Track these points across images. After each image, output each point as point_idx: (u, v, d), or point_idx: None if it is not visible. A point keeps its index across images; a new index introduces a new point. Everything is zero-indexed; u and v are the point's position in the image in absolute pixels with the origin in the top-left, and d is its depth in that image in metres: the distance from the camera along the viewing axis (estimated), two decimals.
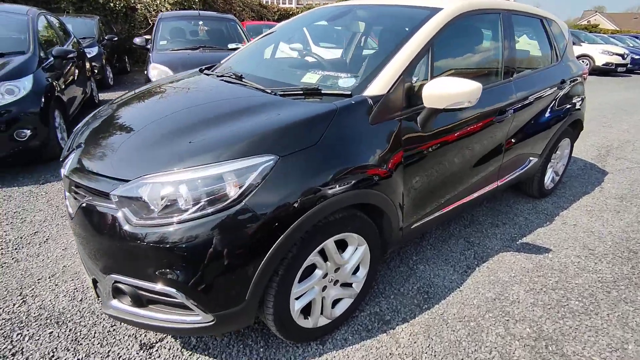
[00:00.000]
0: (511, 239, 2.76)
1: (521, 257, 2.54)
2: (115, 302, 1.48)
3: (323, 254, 1.64)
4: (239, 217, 1.32)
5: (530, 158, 2.89)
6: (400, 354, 1.76)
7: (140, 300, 1.43)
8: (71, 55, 4.34)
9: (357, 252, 1.78)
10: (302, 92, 1.75)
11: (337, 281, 1.77)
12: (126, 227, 1.32)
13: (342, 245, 1.73)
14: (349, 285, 1.86)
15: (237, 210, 1.32)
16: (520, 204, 3.30)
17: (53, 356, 1.66)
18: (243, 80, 1.99)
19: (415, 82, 1.84)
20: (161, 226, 1.30)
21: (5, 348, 1.70)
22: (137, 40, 5.20)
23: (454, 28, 2.04)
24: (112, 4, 10.92)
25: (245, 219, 1.32)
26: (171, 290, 1.34)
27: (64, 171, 1.63)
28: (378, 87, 1.70)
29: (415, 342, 1.83)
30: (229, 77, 2.08)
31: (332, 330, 1.85)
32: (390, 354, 1.76)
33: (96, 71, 7.14)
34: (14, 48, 3.77)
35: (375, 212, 1.79)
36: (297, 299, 1.62)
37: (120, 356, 1.67)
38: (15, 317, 1.86)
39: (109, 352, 1.69)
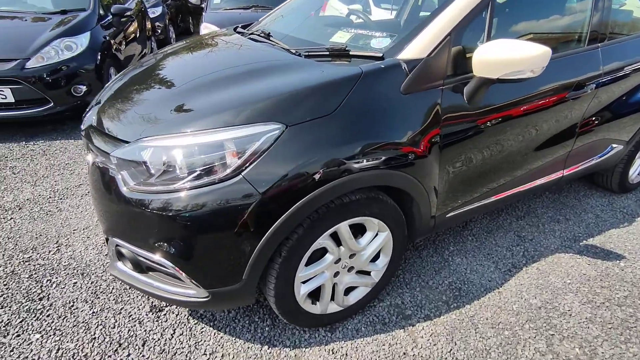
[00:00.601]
0: (574, 238, 2.36)
1: (583, 261, 2.16)
2: (120, 264, 1.47)
3: (336, 237, 1.47)
4: (235, 191, 1.19)
5: (613, 145, 2.39)
6: (415, 355, 1.58)
7: (140, 266, 1.39)
8: (129, 13, 4.43)
9: (377, 238, 1.59)
10: (327, 52, 1.53)
11: (352, 268, 1.61)
12: (123, 190, 1.26)
13: (362, 230, 1.55)
14: (367, 273, 1.69)
15: (234, 183, 1.19)
16: (592, 198, 2.81)
17: (72, 306, 1.74)
18: (271, 39, 1.81)
19: (467, 45, 1.52)
20: (156, 193, 1.22)
21: (34, 292, 1.80)
22: (193, 0, 5.16)
23: None
24: None
25: (243, 194, 1.19)
26: (164, 261, 1.28)
27: (82, 127, 1.61)
28: (416, 49, 1.42)
29: (435, 345, 1.63)
30: (257, 35, 1.90)
31: (344, 318, 1.71)
32: (404, 353, 1.59)
33: (159, 31, 7.36)
34: (76, 5, 3.92)
35: (403, 196, 1.57)
36: (304, 282, 1.50)
37: (131, 315, 1.70)
38: (49, 264, 1.98)
39: (121, 309, 1.72)
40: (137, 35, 5.15)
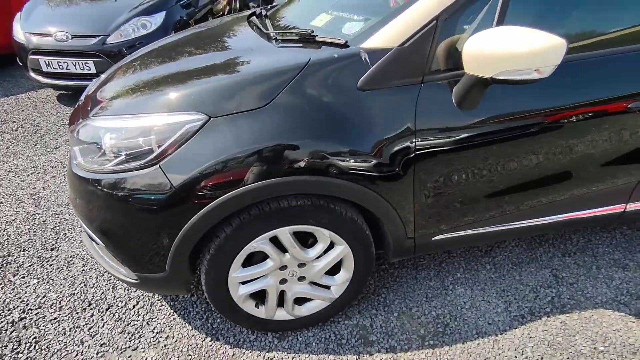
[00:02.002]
0: (637, 295, 1.79)
1: (636, 327, 1.64)
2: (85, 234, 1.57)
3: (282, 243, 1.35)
4: (151, 181, 1.15)
5: None
6: None
7: (92, 238, 1.47)
8: None
9: (332, 252, 1.41)
10: (297, 38, 1.36)
11: (303, 277, 1.47)
12: (72, 164, 1.33)
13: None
14: (326, 286, 1.53)
15: (151, 173, 1.15)
16: None
17: (71, 261, 1.95)
18: (265, 21, 1.69)
19: (465, 34, 1.20)
20: (90, 172, 1.25)
21: (51, 242, 2.07)
22: None
23: None
24: None
25: (158, 185, 1.15)
26: (95, 237, 1.32)
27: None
28: (386, 36, 1.17)
29: None
30: (256, 18, 1.80)
31: (297, 328, 1.59)
32: None
33: (253, 7, 7.71)
34: None
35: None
36: (243, 283, 1.41)
37: (110, 279, 1.83)
38: (71, 220, 2.25)
39: (105, 271, 1.87)
40: (225, 12, 5.49)
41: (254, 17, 1.81)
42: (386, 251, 1.53)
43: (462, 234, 1.52)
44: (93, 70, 3.63)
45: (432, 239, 1.49)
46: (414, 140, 1.22)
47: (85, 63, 3.59)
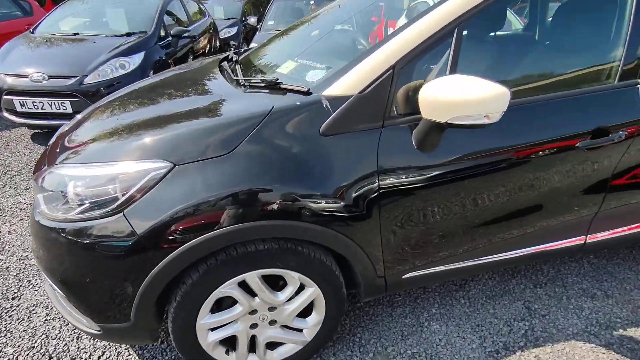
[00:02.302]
0: (607, 324, 1.83)
1: (607, 357, 1.65)
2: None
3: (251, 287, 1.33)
4: (115, 230, 1.14)
5: None
6: None
7: (54, 288, 1.42)
8: (187, 34, 4.82)
9: (303, 294, 1.40)
10: (264, 85, 1.41)
11: (274, 321, 1.44)
12: (36, 212, 1.30)
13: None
14: (298, 329, 1.51)
15: (114, 221, 1.14)
16: None
17: (33, 310, 1.86)
18: (235, 66, 1.76)
19: (419, 80, 1.28)
20: (54, 220, 1.23)
21: (12, 289, 1.98)
22: (251, 20, 5.44)
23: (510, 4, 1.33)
24: None
25: (122, 233, 1.14)
26: (55, 287, 1.28)
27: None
28: (346, 84, 1.23)
29: None
30: (227, 63, 1.86)
31: None
32: None
33: (232, 48, 7.95)
34: (141, 28, 4.39)
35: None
36: (212, 329, 1.38)
37: (75, 329, 1.75)
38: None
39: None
40: (200, 53, 5.63)
41: (226, 62, 1.88)
42: (358, 291, 1.53)
43: (432, 270, 1.54)
44: (69, 110, 3.63)
45: (403, 276, 1.51)
46: (378, 181, 1.26)
47: (61, 103, 3.58)
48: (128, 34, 4.25)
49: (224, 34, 7.97)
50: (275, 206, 1.18)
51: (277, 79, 1.35)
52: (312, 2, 5.31)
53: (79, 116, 1.78)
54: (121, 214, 1.14)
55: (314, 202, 1.21)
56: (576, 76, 1.55)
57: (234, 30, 8.12)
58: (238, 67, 1.72)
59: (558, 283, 2.08)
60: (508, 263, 1.68)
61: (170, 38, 4.62)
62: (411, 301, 1.95)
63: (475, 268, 1.61)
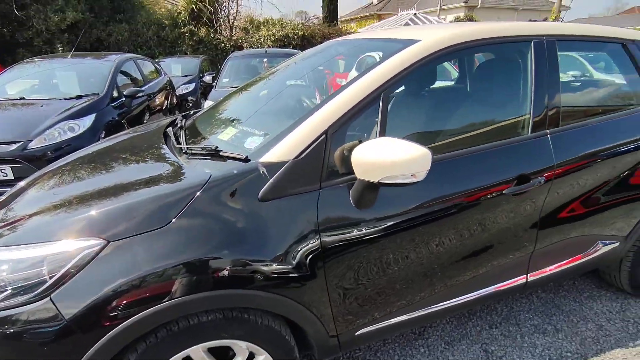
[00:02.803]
0: (558, 359, 1.88)
1: None
2: None
3: None
4: (43, 314, 1.07)
5: (601, 241, 1.97)
6: None
7: None
8: (141, 94, 4.86)
9: None
10: (204, 152, 1.44)
11: None
12: None
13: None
14: None
15: (41, 306, 1.07)
16: (598, 301, 2.29)
17: None
18: (179, 132, 1.79)
19: (352, 142, 1.36)
20: None
21: None
22: (206, 78, 5.60)
23: (434, 67, 1.49)
24: (222, 45, 12.39)
25: (49, 318, 1.07)
26: None
27: None
28: (282, 151, 1.29)
29: None
30: (172, 128, 1.89)
31: None
32: None
33: (191, 104, 8.05)
34: (93, 90, 4.38)
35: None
36: None
37: None
38: None
39: None
40: (156, 111, 5.68)
41: (171, 127, 1.91)
42: (312, 352, 1.49)
43: (386, 323, 1.54)
44: (10, 177, 3.45)
45: (357, 333, 1.49)
46: (320, 241, 1.29)
47: (1, 170, 3.41)
48: (79, 97, 4.21)
49: (181, 90, 8.10)
50: (216, 276, 1.16)
51: (217, 147, 1.39)
52: (265, 60, 5.58)
53: (22, 183, 1.71)
54: (48, 298, 1.07)
55: (257, 269, 1.21)
56: (498, 129, 1.71)
57: (192, 86, 8.27)
58: (182, 133, 1.75)
59: (512, 321, 2.13)
60: (458, 309, 1.72)
61: (123, 98, 4.63)
62: (371, 355, 1.91)
63: (426, 317, 1.63)
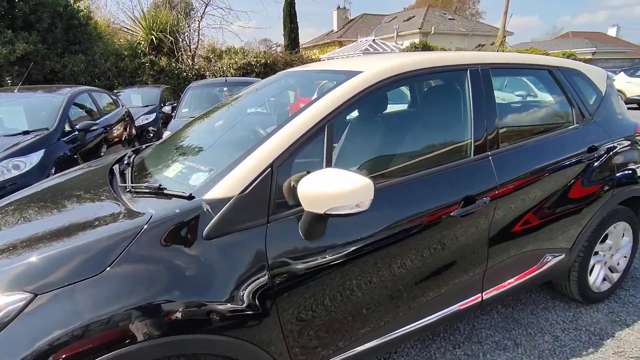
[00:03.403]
0: None
1: None
2: None
3: None
4: None
5: (549, 255, 2.07)
6: None
7: None
8: (95, 127, 4.70)
9: None
10: (148, 190, 1.40)
11: None
12: None
13: None
14: None
15: None
16: (553, 312, 2.37)
17: None
18: (126, 170, 1.73)
19: (299, 173, 1.36)
20: None
21: None
22: (166, 108, 5.51)
23: (378, 96, 1.55)
24: (185, 74, 12.33)
25: None
26: None
27: None
28: (226, 186, 1.27)
29: None
30: (120, 165, 1.83)
31: None
32: None
33: (152, 135, 7.87)
34: (42, 125, 4.18)
35: None
36: None
37: None
38: None
39: None
40: (122, 139, 5.68)
41: (118, 164, 1.84)
42: None
43: (346, 354, 1.51)
44: None
45: None
46: (269, 277, 1.26)
47: None
48: (26, 132, 4.01)
49: (142, 121, 7.93)
50: (160, 322, 1.10)
51: (160, 185, 1.35)
52: (225, 89, 5.59)
53: None
54: None
55: (205, 311, 1.16)
56: (443, 153, 1.78)
57: (152, 117, 8.12)
58: (129, 170, 1.69)
59: (474, 339, 2.16)
60: (422, 331, 1.72)
61: (76, 132, 4.45)
62: None
63: (391, 343, 1.62)
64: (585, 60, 22.85)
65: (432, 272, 1.62)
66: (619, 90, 12.33)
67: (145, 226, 1.16)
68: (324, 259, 1.36)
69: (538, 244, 1.98)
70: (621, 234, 2.42)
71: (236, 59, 12.89)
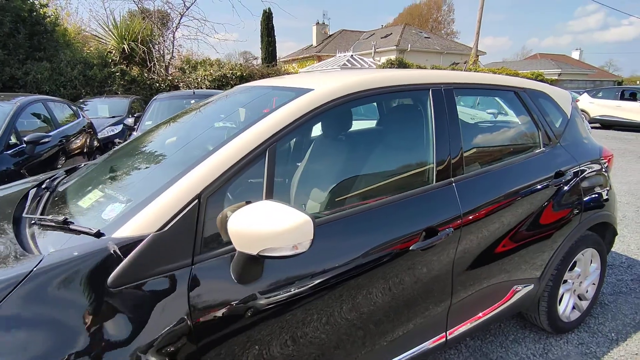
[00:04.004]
0: None
1: None
2: None
3: None
4: None
5: (517, 285, 1.95)
6: None
7: None
8: (47, 140, 4.37)
9: None
10: (55, 225, 1.17)
11: None
12: None
13: None
14: None
15: None
16: (523, 344, 2.24)
17: None
18: (41, 195, 1.49)
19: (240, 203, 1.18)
20: None
21: None
22: (128, 120, 5.23)
23: (331, 117, 1.42)
24: (157, 84, 11.98)
25: None
26: None
27: None
28: (141, 222, 1.07)
29: None
30: (36, 189, 1.59)
31: None
32: None
33: (117, 146, 7.50)
34: None
35: None
36: None
37: None
38: None
39: None
40: (83, 151, 5.48)
41: (35, 188, 1.60)
42: None
43: None
44: None
45: None
46: (194, 333, 1.06)
47: None
48: None
49: (107, 132, 7.57)
50: None
51: (66, 218, 1.13)
52: (192, 102, 5.35)
53: None
54: None
55: None
56: (402, 180, 1.64)
57: (118, 128, 7.77)
58: (45, 197, 1.46)
59: None
60: None
61: (24, 145, 4.11)
62: None
63: None
64: (552, 81, 23.94)
65: (390, 314, 1.46)
66: (583, 111, 12.85)
67: (29, 275, 0.94)
68: (262, 306, 1.17)
69: (506, 275, 1.86)
70: (589, 261, 2.34)
71: (211, 71, 12.66)
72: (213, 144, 1.27)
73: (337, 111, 1.44)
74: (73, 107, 6.14)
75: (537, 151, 2.02)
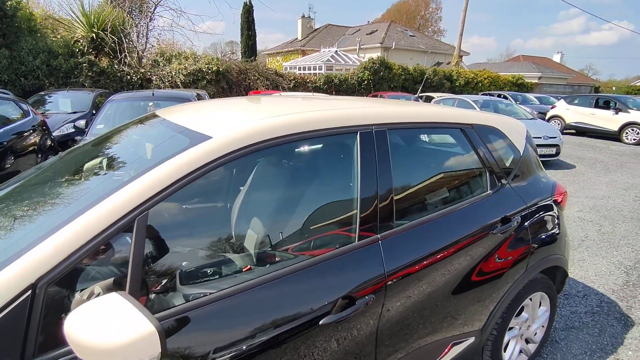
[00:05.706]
0: None
1: None
2: None
3: None
4: None
5: (455, 341, 1.80)
6: None
7: None
8: None
9: None
10: None
11: None
12: None
13: None
14: None
15: None
16: None
17: None
18: None
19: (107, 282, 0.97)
20: None
21: None
22: (79, 122, 4.89)
23: (234, 169, 1.25)
24: (129, 77, 11.46)
25: None
26: None
27: None
28: None
29: None
30: None
31: None
32: None
33: (77, 144, 7.09)
34: None
35: None
36: None
37: None
38: None
39: None
40: (36, 149, 5.25)
41: None
42: None
43: None
44: None
45: None
46: None
47: None
48: None
49: (65, 129, 7.12)
50: None
51: None
52: (150, 104, 5.04)
53: None
54: None
55: None
56: (320, 240, 1.45)
57: (80, 124, 7.33)
58: None
59: None
60: None
61: None
62: None
63: None
64: (532, 84, 24.22)
65: None
66: (559, 117, 12.98)
67: None
68: None
69: (440, 334, 1.70)
70: (538, 304, 2.22)
71: (186, 65, 12.21)
72: (77, 207, 1.05)
73: (241, 162, 1.23)
74: (23, 104, 5.74)
75: (483, 194, 1.87)
